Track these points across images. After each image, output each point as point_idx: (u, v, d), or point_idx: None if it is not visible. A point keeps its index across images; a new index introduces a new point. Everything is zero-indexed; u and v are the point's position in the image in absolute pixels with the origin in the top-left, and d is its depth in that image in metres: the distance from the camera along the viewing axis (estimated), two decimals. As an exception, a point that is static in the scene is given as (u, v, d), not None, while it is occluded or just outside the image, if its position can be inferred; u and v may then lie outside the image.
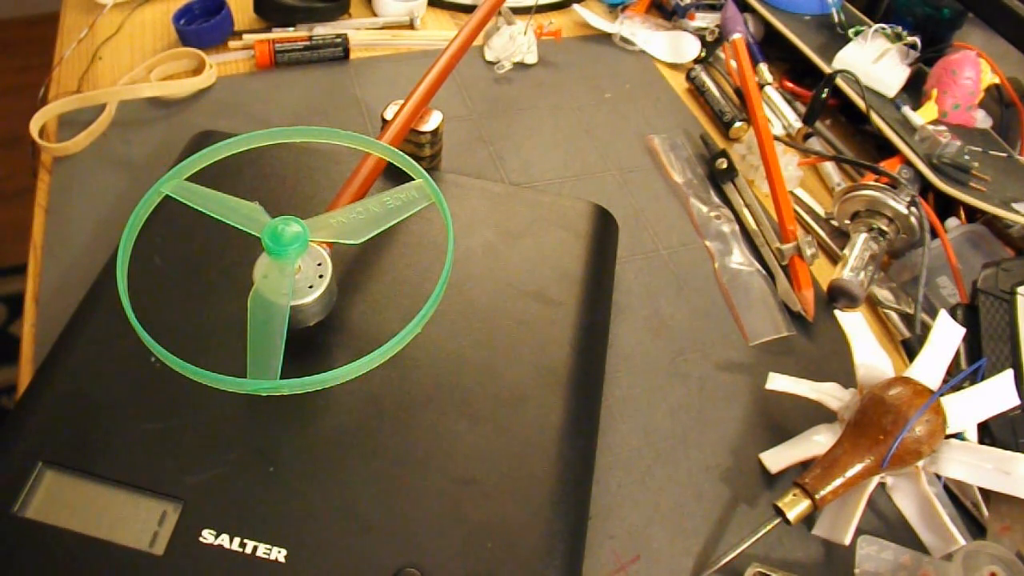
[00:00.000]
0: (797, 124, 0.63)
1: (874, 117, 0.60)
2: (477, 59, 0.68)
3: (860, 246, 0.51)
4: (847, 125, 0.66)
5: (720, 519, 0.40)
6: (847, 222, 0.55)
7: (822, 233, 0.57)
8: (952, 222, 0.57)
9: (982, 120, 0.63)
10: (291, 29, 0.66)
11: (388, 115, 0.46)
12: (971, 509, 0.41)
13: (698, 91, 0.67)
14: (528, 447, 0.35)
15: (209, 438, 0.34)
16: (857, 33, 0.66)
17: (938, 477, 0.40)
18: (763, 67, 0.69)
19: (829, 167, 0.62)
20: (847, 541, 0.38)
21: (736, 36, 0.67)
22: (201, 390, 0.30)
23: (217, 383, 0.30)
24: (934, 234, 0.52)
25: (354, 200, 0.41)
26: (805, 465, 0.41)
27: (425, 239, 0.43)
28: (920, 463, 0.39)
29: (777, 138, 0.60)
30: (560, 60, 0.69)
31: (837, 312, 0.45)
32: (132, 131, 0.56)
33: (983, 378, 0.41)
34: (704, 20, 0.73)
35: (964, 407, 0.39)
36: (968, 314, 0.47)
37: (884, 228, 0.52)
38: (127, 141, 0.56)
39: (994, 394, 0.40)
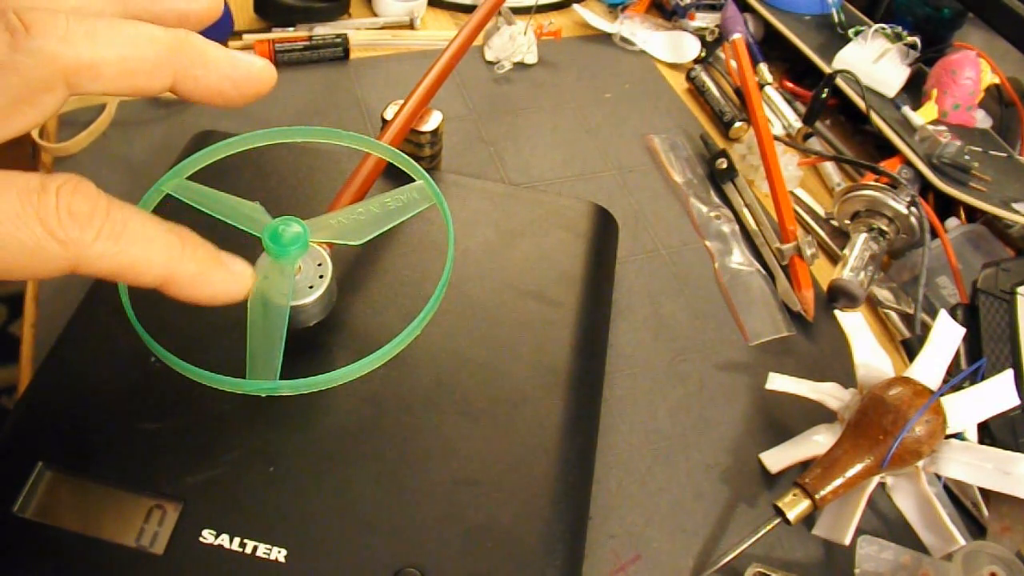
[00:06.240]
0: (797, 124, 0.63)
1: (874, 117, 0.60)
2: (477, 59, 0.68)
3: (860, 246, 0.51)
4: (847, 125, 0.66)
5: (720, 519, 0.40)
6: (847, 222, 0.54)
7: (822, 233, 0.57)
8: (952, 222, 0.57)
9: (982, 120, 0.63)
10: (291, 29, 0.66)
11: (388, 115, 0.46)
12: (971, 509, 0.41)
13: (698, 91, 0.67)
14: (528, 447, 0.35)
15: (209, 438, 0.34)
16: (857, 33, 0.66)
17: (938, 477, 0.40)
18: (763, 67, 0.69)
19: (829, 167, 0.62)
20: (847, 541, 0.38)
21: (736, 36, 0.67)
22: (201, 390, 0.30)
23: (217, 383, 0.30)
24: (934, 234, 0.52)
25: (354, 200, 0.41)
26: (805, 465, 0.41)
27: (425, 239, 0.43)
28: (920, 463, 0.39)
29: (777, 138, 0.60)
30: (560, 60, 0.69)
31: (837, 312, 0.45)
32: (132, 131, 0.56)
33: (983, 378, 0.41)
34: (704, 20, 0.73)
35: (964, 407, 0.39)
36: (968, 314, 0.47)
37: (884, 228, 0.52)
38: (127, 141, 0.55)
39: (994, 394, 0.40)
